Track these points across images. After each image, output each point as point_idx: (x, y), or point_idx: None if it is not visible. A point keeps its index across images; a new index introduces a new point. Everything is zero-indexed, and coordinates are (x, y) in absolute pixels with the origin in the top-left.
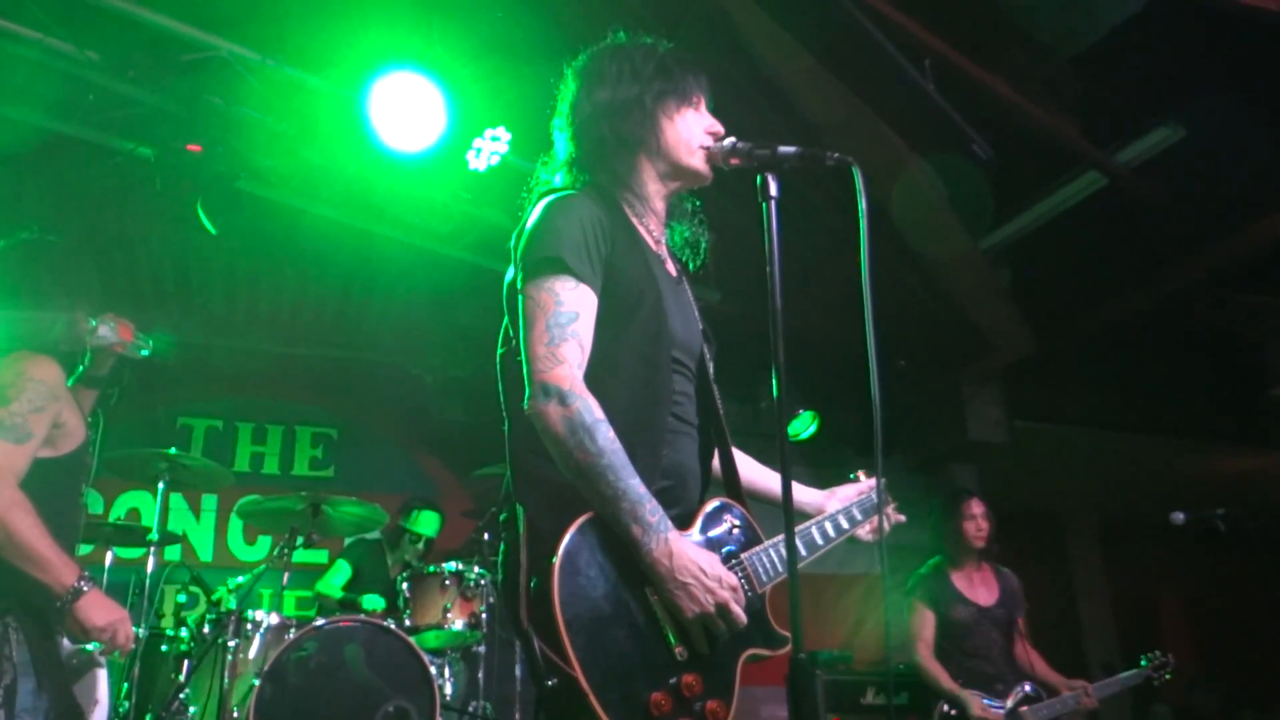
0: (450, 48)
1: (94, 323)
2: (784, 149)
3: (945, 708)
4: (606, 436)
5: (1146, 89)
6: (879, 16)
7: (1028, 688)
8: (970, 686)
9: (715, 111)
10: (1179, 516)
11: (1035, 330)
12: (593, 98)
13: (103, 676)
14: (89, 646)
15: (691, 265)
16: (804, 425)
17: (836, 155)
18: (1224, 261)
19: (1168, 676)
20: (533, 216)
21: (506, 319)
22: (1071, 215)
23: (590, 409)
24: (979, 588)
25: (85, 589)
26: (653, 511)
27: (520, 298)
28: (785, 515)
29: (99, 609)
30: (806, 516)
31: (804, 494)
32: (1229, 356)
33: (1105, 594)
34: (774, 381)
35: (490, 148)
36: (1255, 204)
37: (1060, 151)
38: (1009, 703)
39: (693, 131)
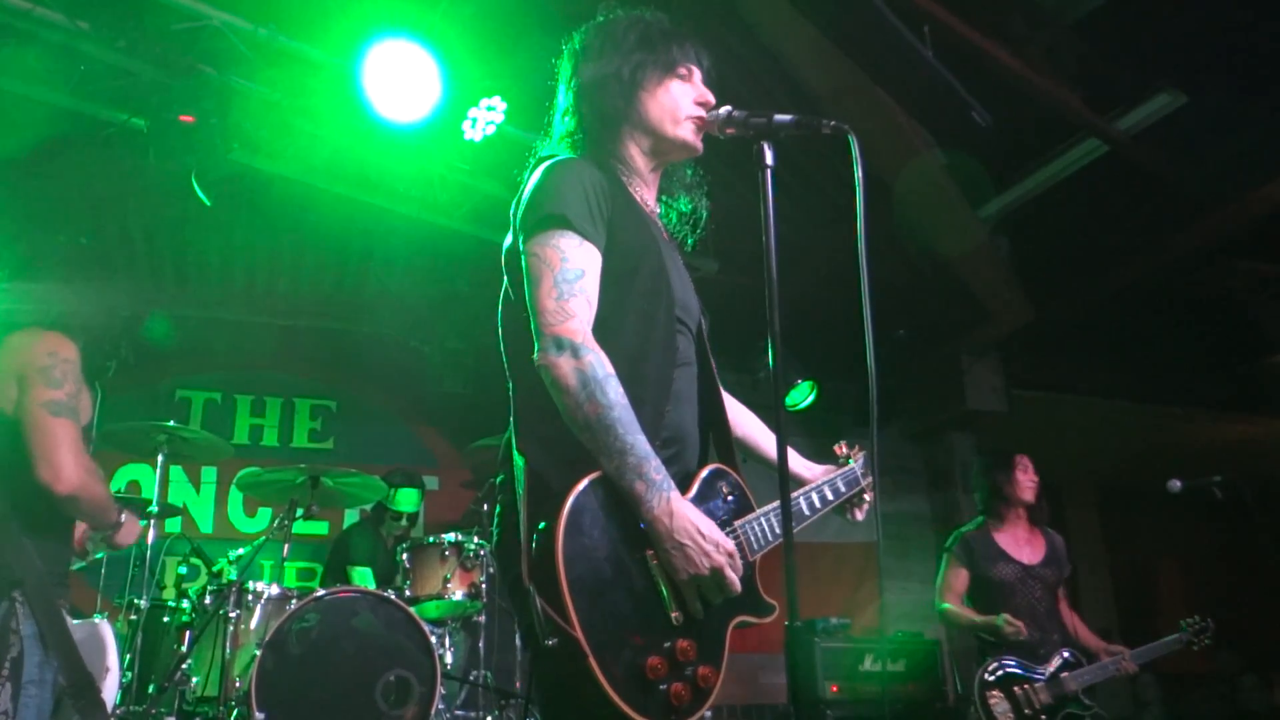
0: (444, 16)
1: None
2: (780, 117)
3: (987, 674)
4: (618, 390)
5: (1147, 55)
6: None
7: (1066, 654)
8: (1013, 649)
9: (712, 81)
10: (1176, 484)
11: (1034, 299)
12: (579, 74)
13: (111, 644)
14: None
15: (690, 241)
16: (802, 395)
17: (833, 123)
18: (1224, 229)
19: (1207, 641)
20: (532, 180)
21: (506, 282)
22: (1071, 183)
23: (603, 363)
24: (1024, 546)
25: (123, 520)
26: (657, 470)
27: (524, 256)
28: (781, 485)
29: (131, 533)
30: (799, 485)
31: (798, 464)
32: (1228, 324)
33: (1103, 561)
34: (770, 351)
35: (486, 117)
36: (1256, 171)
37: (1060, 119)
38: (1049, 668)
39: (678, 102)
